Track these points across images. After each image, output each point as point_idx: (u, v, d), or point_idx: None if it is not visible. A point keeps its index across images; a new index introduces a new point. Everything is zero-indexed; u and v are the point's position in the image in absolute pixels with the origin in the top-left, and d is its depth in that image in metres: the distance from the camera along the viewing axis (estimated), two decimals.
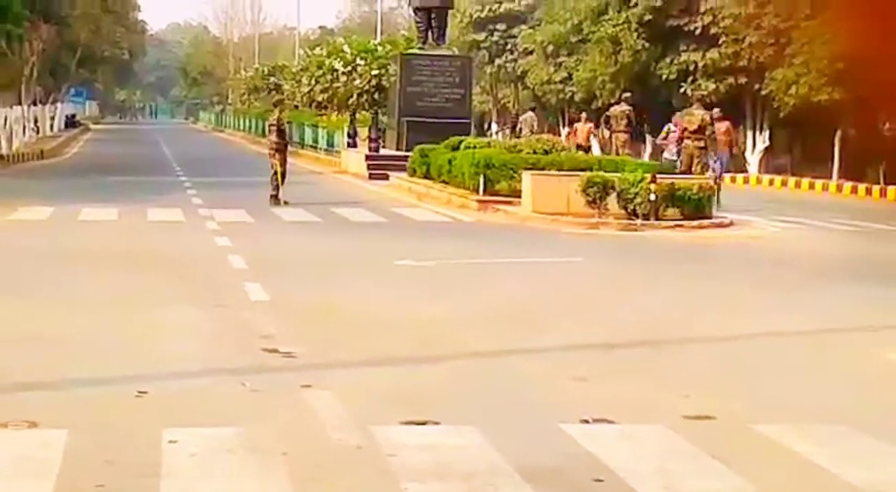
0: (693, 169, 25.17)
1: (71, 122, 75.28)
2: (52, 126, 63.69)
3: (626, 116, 31.01)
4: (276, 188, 24.20)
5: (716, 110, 26.87)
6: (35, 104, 54.88)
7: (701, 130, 25.82)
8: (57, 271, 14.02)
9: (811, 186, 35.30)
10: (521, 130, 36.72)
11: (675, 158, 26.19)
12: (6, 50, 41.71)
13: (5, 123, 42.07)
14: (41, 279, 13.37)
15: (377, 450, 6.65)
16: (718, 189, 24.67)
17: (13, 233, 18.31)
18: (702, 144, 25.88)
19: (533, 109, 40.02)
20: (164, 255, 15.96)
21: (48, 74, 58.58)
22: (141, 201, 23.67)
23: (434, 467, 6.35)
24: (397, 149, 34.91)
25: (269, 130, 25.27)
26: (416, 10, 38.26)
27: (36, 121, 53.94)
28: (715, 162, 26.36)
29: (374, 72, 40.29)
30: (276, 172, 24.36)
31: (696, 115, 26.19)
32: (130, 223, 20.19)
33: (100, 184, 29.75)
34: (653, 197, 20.77)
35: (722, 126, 27.37)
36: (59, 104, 70.67)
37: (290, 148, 26.59)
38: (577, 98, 47.09)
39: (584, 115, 39.20)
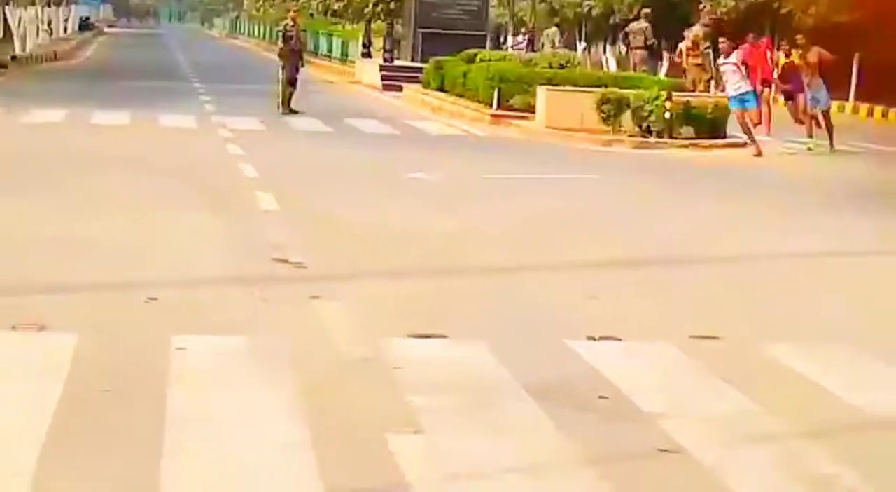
0: (696, 86, 25.05)
1: (85, 24, 74.82)
2: (65, 28, 63.32)
3: (644, 33, 30.75)
4: (283, 96, 24.06)
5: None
6: (49, 6, 54.51)
7: (695, 46, 25.75)
8: (68, 175, 14.00)
9: None
10: (542, 44, 36.44)
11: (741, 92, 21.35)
12: None
13: (19, 24, 41.82)
14: (52, 183, 13.36)
15: (384, 362, 6.68)
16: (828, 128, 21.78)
17: (26, 136, 18.29)
18: (699, 61, 25.81)
19: (557, 25, 39.67)
20: (175, 161, 15.93)
21: None
22: (153, 107, 23.58)
23: (440, 380, 6.38)
24: (412, 60, 34.67)
25: (283, 38, 25.10)
26: None
27: (50, 23, 53.58)
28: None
29: None
30: (279, 79, 24.23)
31: (694, 31, 26.18)
32: (142, 128, 20.14)
33: (113, 88, 29.64)
34: (667, 115, 20.64)
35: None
36: (73, 6, 70.22)
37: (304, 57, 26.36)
38: (595, 13, 46.62)
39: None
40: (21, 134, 18.46)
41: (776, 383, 6.72)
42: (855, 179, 17.85)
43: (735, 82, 20.75)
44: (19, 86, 29.35)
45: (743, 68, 20.91)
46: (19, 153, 15.93)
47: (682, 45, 26.99)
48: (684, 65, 26.11)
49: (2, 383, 6.04)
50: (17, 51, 40.02)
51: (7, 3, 44.15)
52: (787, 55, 22.90)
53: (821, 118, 21.45)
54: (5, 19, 42.76)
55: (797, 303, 9.04)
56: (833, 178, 17.98)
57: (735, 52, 21.24)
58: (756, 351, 7.35)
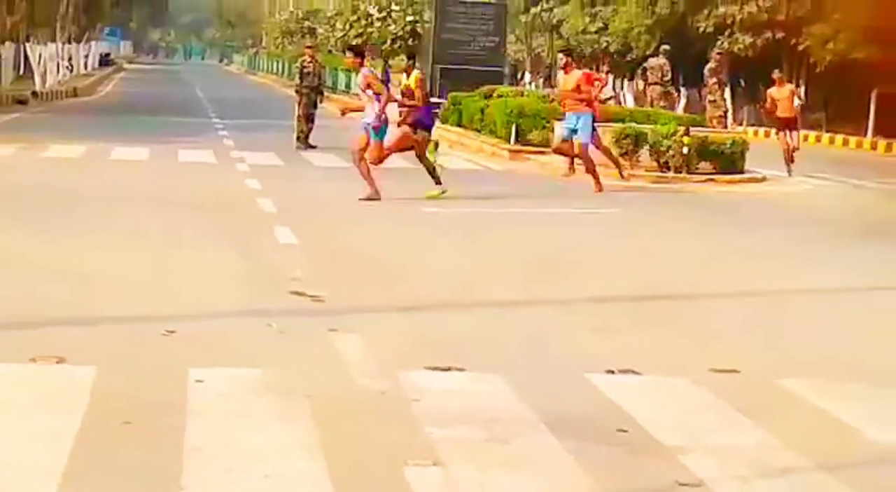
0: (711, 123, 25.14)
1: (105, 60, 75.35)
2: (85, 64, 63.74)
3: (662, 69, 30.82)
4: (299, 131, 24.16)
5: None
6: (69, 42, 54.92)
7: (704, 81, 26.02)
8: (87, 210, 14.07)
9: (845, 143, 35.04)
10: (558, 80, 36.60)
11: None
12: None
13: (40, 61, 42.12)
14: (71, 217, 13.43)
15: (402, 394, 6.67)
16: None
17: (45, 170, 18.38)
18: (711, 97, 25.99)
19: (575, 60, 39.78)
20: (194, 196, 15.99)
21: (83, 12, 58.63)
22: (172, 142, 23.70)
23: (458, 412, 6.36)
24: (430, 95, 34.75)
25: (301, 75, 25.19)
26: None
27: (70, 59, 53.95)
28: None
29: (409, 18, 40.15)
30: (297, 115, 24.36)
31: (706, 66, 26.47)
32: (161, 163, 20.23)
33: (132, 123, 29.80)
34: (685, 150, 20.66)
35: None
36: (93, 43, 70.74)
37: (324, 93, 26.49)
38: (612, 49, 46.79)
39: (604, 68, 39.16)
40: (41, 169, 18.56)
41: (795, 416, 6.69)
42: (873, 213, 17.82)
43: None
44: (39, 121, 29.53)
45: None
46: (39, 188, 16.00)
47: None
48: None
49: (21, 415, 6.05)
50: (38, 87, 40.29)
51: (28, 40, 44.50)
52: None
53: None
54: (26, 56, 43.10)
55: (815, 336, 9.01)
56: (853, 212, 17.94)
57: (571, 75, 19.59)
58: (774, 385, 7.32)
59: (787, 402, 7.00)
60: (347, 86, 45.80)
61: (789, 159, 23.33)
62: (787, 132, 23.66)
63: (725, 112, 27.17)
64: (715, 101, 26.27)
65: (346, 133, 29.35)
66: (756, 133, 35.33)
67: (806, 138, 36.66)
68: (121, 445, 5.66)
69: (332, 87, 47.00)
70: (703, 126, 23.15)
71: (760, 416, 6.54)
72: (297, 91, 24.98)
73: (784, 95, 23.86)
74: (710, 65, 26.62)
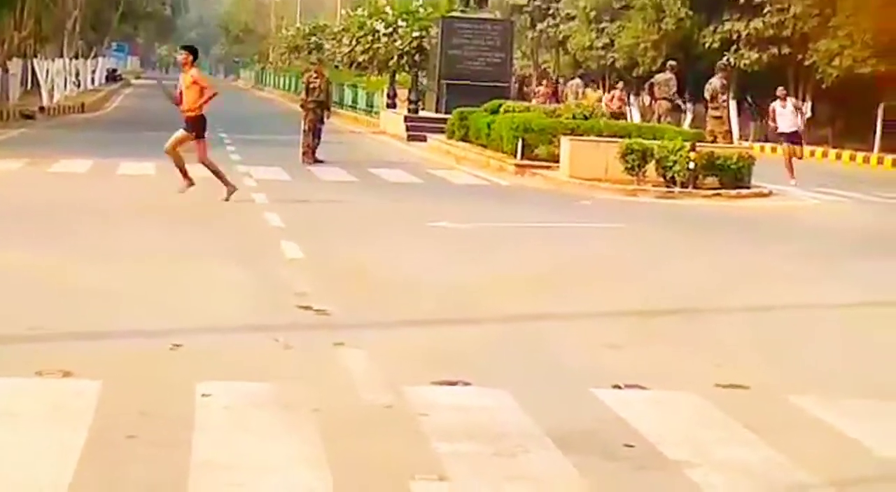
0: (716, 138, 25.10)
1: (112, 76, 75.53)
2: (93, 80, 63.94)
3: (668, 84, 30.83)
4: (305, 145, 24.19)
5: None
6: (77, 58, 55.07)
7: (713, 98, 25.95)
8: (95, 224, 14.09)
9: (852, 159, 35.02)
10: (566, 95, 36.63)
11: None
12: (49, 3, 41.83)
13: (47, 76, 42.24)
14: (79, 232, 13.44)
15: (408, 409, 6.66)
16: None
17: (53, 185, 18.40)
18: (717, 113, 25.99)
19: (581, 77, 39.88)
20: (201, 210, 15.99)
21: (90, 28, 58.81)
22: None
23: (464, 427, 6.35)
24: (436, 111, 34.85)
25: (307, 90, 25.20)
26: None
27: (77, 74, 54.11)
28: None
29: (416, 34, 40.07)
30: (304, 130, 24.40)
31: (712, 84, 26.31)
32: (168, 178, 20.18)
33: (139, 138, 29.78)
34: (692, 165, 20.66)
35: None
36: (100, 58, 70.94)
37: (331, 108, 26.54)
38: (618, 65, 46.82)
39: (620, 83, 39.14)
40: (47, 184, 18.58)
41: (803, 433, 6.66)
42: (880, 229, 17.79)
43: None
44: (46, 136, 29.58)
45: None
46: (45, 203, 16.03)
47: (615, 93, 28.32)
48: (708, 119, 26.47)
49: (26, 429, 6.04)
50: (45, 102, 40.40)
51: (35, 56, 44.61)
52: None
53: None
54: (33, 71, 43.22)
55: (824, 353, 8.98)
56: (859, 227, 17.92)
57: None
58: (782, 401, 7.30)
59: (795, 418, 6.98)
60: (354, 101, 45.88)
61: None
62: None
63: (729, 129, 27.47)
64: (721, 117, 26.26)
65: (353, 147, 29.46)
66: (762, 149, 35.31)
67: (812, 154, 36.72)
68: (126, 459, 5.65)
69: (339, 103, 47.09)
70: (708, 141, 23.11)
71: (768, 431, 6.52)
72: (302, 106, 25.02)
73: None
74: (720, 81, 26.53)
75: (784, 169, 24.64)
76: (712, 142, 24.59)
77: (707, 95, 26.38)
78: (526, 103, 29.69)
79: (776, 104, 25.59)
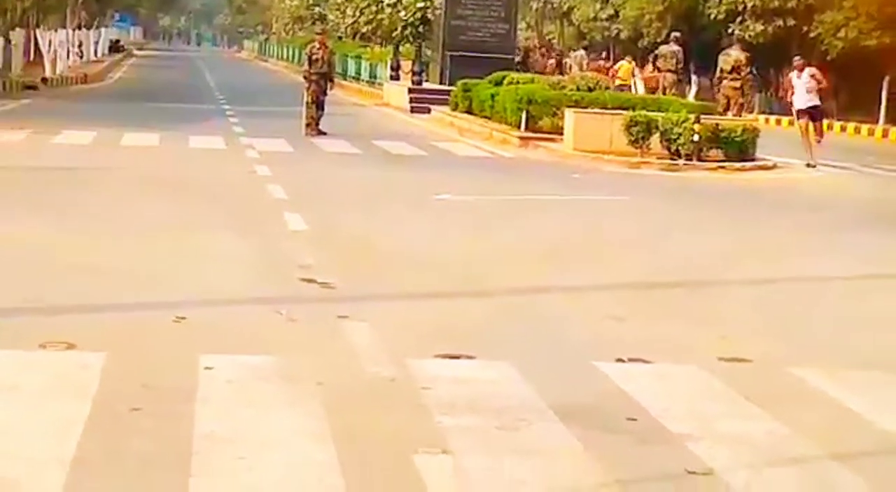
0: (731, 110, 25.00)
1: (115, 47, 75.35)
2: (96, 51, 63.76)
3: (675, 56, 30.73)
4: (308, 117, 24.15)
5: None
6: (79, 28, 54.93)
7: (736, 70, 25.66)
8: (98, 196, 14.09)
9: (857, 131, 34.95)
10: (570, 67, 36.51)
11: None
12: None
13: (50, 47, 42.12)
14: (81, 204, 13.44)
15: (411, 382, 6.67)
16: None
17: (55, 157, 18.38)
18: (737, 84, 25.72)
19: (585, 48, 39.71)
20: (204, 182, 16.00)
21: None
22: (182, 128, 23.72)
23: (467, 401, 6.36)
24: (440, 83, 34.78)
25: (309, 62, 25.10)
26: None
27: (80, 45, 53.96)
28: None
29: (420, 4, 39.99)
30: (305, 101, 24.34)
31: (732, 55, 26.04)
32: (171, 150, 20.25)
33: (142, 109, 29.81)
34: (696, 137, 20.63)
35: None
36: (103, 29, 70.76)
37: (334, 80, 26.52)
38: (622, 36, 46.71)
39: (628, 56, 38.99)
40: (51, 155, 18.57)
41: (805, 405, 6.67)
42: (885, 201, 17.78)
43: None
44: (49, 107, 29.54)
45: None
46: (49, 174, 16.03)
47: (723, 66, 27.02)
48: (723, 87, 25.98)
49: (30, 401, 6.05)
50: (48, 73, 40.31)
51: (38, 26, 44.51)
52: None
53: None
54: (36, 42, 43.11)
55: (826, 325, 8.99)
56: (863, 200, 17.90)
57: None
58: (785, 374, 7.31)
59: (798, 390, 6.98)
60: (358, 73, 45.78)
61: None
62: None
63: (745, 102, 26.95)
64: (740, 88, 26.01)
65: (356, 119, 29.43)
66: (767, 121, 35.24)
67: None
68: (130, 431, 5.67)
69: (342, 74, 47.02)
70: (713, 114, 23.04)
71: (771, 404, 6.53)
72: (305, 78, 24.91)
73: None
74: (744, 54, 26.19)
75: (803, 146, 22.66)
76: (724, 110, 24.50)
77: (727, 67, 25.91)
78: (530, 75, 29.59)
79: (793, 75, 23.48)
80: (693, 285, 10.34)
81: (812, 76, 22.84)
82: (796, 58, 24.46)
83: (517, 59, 35.47)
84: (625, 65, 35.86)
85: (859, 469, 5.59)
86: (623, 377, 7.00)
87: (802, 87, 22.80)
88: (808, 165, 22.09)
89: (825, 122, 24.55)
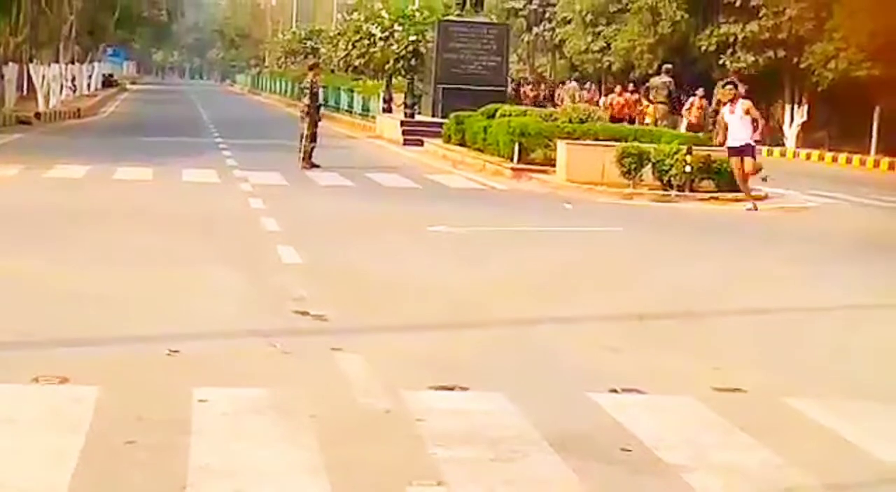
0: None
1: (108, 81, 75.47)
2: (89, 85, 63.88)
3: (667, 88, 30.85)
4: (305, 151, 24.18)
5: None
6: (73, 63, 55.01)
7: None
8: (91, 230, 14.08)
9: (848, 161, 35.08)
10: (561, 98, 36.66)
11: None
12: (45, 8, 41.79)
13: (43, 81, 42.19)
14: (75, 237, 13.43)
15: (406, 414, 6.66)
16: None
17: (49, 190, 18.39)
18: None
19: (578, 81, 39.83)
20: (198, 216, 16.00)
21: (86, 33, 58.78)
22: (176, 162, 23.74)
23: (462, 432, 6.35)
24: (432, 115, 34.87)
25: (304, 94, 25.16)
26: None
27: (73, 79, 54.05)
28: None
29: (412, 38, 40.11)
30: (303, 135, 24.36)
31: (730, 87, 26.11)
32: (165, 183, 20.25)
33: (135, 143, 29.84)
34: (688, 169, 20.67)
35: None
36: (96, 63, 70.87)
37: (322, 111, 26.60)
38: (614, 68, 46.87)
39: (618, 88, 39.07)
40: (44, 189, 18.57)
41: (800, 436, 6.67)
42: (877, 231, 17.81)
43: None
44: (43, 142, 29.57)
45: None
46: (42, 208, 16.02)
47: (693, 101, 27.00)
48: (720, 119, 26.05)
49: (24, 435, 6.04)
50: (41, 107, 40.34)
51: (31, 61, 44.59)
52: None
53: None
54: (29, 76, 43.17)
55: (820, 355, 8.99)
56: (855, 230, 17.93)
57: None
58: (779, 404, 7.31)
59: (793, 420, 6.98)
60: (350, 106, 45.88)
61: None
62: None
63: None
64: None
65: (350, 152, 29.47)
66: (759, 151, 35.30)
67: (808, 157, 36.81)
68: (124, 464, 5.65)
69: (335, 107, 47.13)
70: (706, 145, 23.09)
71: (765, 435, 6.53)
72: (305, 111, 24.80)
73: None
74: (742, 86, 26.28)
75: (742, 189, 20.14)
76: (723, 141, 24.55)
77: (725, 99, 25.95)
78: (522, 107, 29.66)
79: (725, 110, 20.75)
80: (686, 316, 10.35)
81: (747, 112, 20.01)
82: (728, 85, 21.31)
83: (509, 91, 35.59)
84: (696, 101, 33.39)
85: None
86: (617, 408, 6.99)
87: (737, 122, 20.01)
88: (750, 209, 19.68)
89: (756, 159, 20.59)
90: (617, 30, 46.21)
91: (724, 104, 20.98)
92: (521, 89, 38.81)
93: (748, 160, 20.02)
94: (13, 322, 8.78)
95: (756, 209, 19.71)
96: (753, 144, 20.46)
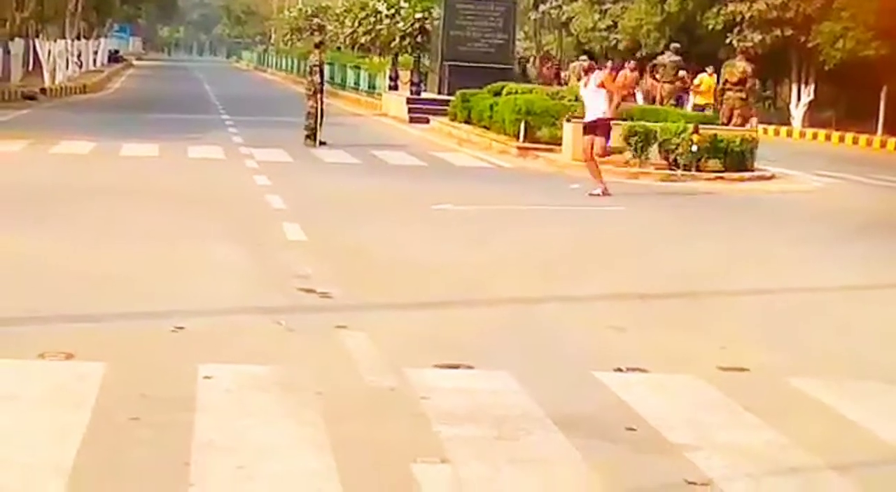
0: (733, 121, 25.03)
1: (114, 57, 75.43)
2: (95, 61, 63.83)
3: (676, 67, 30.73)
4: (312, 128, 24.16)
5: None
6: (79, 39, 54.95)
7: (742, 81, 25.71)
8: (97, 206, 14.08)
9: (854, 142, 35.00)
10: (568, 77, 36.55)
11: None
12: None
13: (49, 57, 42.16)
14: (80, 213, 13.44)
15: (410, 392, 6.67)
16: None
17: (54, 167, 18.39)
18: (743, 95, 25.76)
19: (586, 57, 39.65)
20: (203, 192, 16.00)
21: (92, 10, 58.69)
22: (182, 138, 23.72)
23: (467, 410, 6.36)
24: (438, 93, 34.83)
25: (312, 71, 25.10)
26: None
27: (79, 55, 54.02)
28: None
29: (418, 15, 40.01)
30: (309, 112, 24.32)
31: (738, 66, 26.06)
32: (171, 160, 20.24)
33: (141, 120, 29.82)
34: (694, 148, 20.64)
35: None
36: (102, 39, 70.84)
37: (327, 88, 26.57)
38: (621, 47, 46.72)
39: (628, 64, 38.92)
40: (50, 165, 18.57)
41: (804, 415, 6.67)
42: (884, 211, 17.79)
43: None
44: (49, 117, 29.55)
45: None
46: (48, 185, 16.02)
47: (702, 78, 26.82)
48: (727, 98, 25.99)
49: (29, 411, 6.05)
50: (47, 83, 40.33)
51: (37, 36, 44.55)
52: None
53: None
54: (35, 52, 43.15)
55: (825, 335, 8.99)
56: (861, 210, 17.91)
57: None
58: (784, 383, 7.31)
59: (797, 400, 6.98)
60: (356, 83, 45.82)
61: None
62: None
63: (750, 115, 26.85)
64: (747, 99, 26.03)
65: (356, 129, 29.44)
66: (766, 131, 35.26)
67: (815, 136, 36.72)
68: (129, 441, 5.66)
69: (340, 85, 47.08)
70: (713, 123, 23.07)
71: (770, 414, 6.53)
72: (312, 89, 24.75)
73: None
74: (749, 65, 26.19)
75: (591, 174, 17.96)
76: (727, 121, 24.52)
77: (733, 78, 26.00)
78: (529, 85, 29.55)
79: (581, 85, 19.12)
80: (692, 295, 10.34)
81: (601, 85, 18.16)
82: (582, 58, 20.04)
83: (516, 69, 35.50)
84: (706, 78, 30.95)
85: (858, 479, 5.59)
86: (622, 387, 7.00)
87: (591, 96, 18.27)
88: (596, 194, 17.34)
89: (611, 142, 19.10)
90: (624, 8, 46.05)
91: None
92: (542, 67, 38.45)
93: (599, 141, 18.04)
94: (18, 298, 8.79)
95: (603, 195, 17.26)
96: (608, 119, 18.27)
